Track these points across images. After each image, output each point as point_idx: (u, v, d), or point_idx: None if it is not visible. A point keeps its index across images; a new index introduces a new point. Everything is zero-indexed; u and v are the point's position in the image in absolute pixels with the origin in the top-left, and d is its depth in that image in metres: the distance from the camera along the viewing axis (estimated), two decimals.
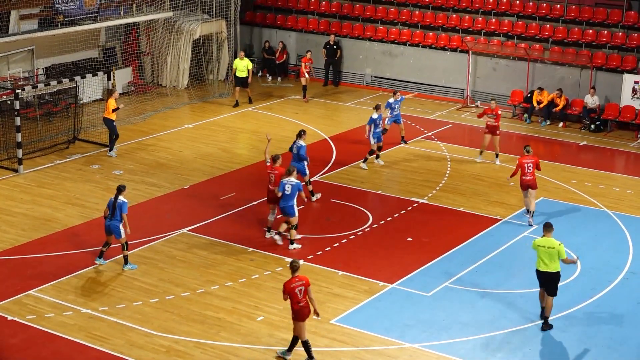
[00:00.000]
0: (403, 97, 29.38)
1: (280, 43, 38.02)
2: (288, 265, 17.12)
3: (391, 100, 28.61)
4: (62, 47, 31.46)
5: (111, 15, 32.55)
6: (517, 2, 35.24)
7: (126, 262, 20.21)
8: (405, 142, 29.18)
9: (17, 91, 26.02)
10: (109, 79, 29.02)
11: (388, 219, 23.37)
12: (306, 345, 16.67)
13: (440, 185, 25.83)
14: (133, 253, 20.81)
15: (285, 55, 38.11)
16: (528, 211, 23.34)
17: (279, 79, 37.76)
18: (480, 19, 35.62)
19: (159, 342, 17.23)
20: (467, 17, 35.94)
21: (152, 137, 29.67)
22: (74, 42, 31.73)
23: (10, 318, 17.91)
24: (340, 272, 20.27)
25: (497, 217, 23.57)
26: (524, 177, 23.16)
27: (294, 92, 35.48)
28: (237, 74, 33.61)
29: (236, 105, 33.34)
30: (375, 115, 26.60)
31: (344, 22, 37.97)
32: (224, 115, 32.45)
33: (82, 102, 30.45)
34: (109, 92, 27.00)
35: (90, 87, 31.35)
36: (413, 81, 36.10)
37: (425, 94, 35.77)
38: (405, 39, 36.37)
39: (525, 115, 32.70)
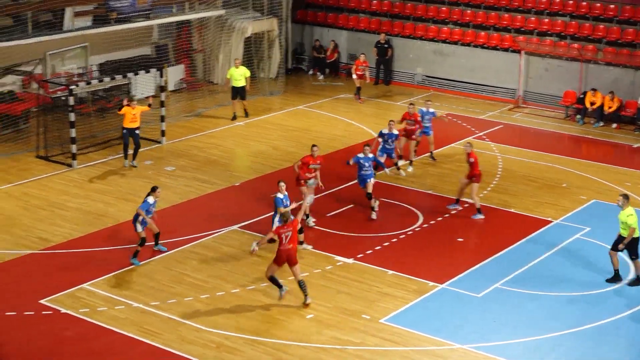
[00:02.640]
0: (434, 112, 27.70)
1: (332, 42, 38.04)
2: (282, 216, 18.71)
3: (423, 108, 27.44)
4: (115, 44, 31.78)
5: (164, 12, 32.82)
6: (570, 1, 34.92)
7: (134, 255, 20.40)
8: (433, 159, 27.71)
9: (71, 87, 26.33)
10: (161, 76, 29.25)
11: (438, 219, 23.31)
12: (302, 285, 18.53)
13: (492, 185, 25.69)
14: (184, 248, 20.97)
15: (336, 54, 38.13)
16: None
17: (322, 76, 37.76)
18: (533, 18, 35.36)
19: (209, 338, 17.35)
20: (519, 16, 35.69)
21: (203, 134, 29.87)
22: (127, 39, 32.04)
23: (63, 311, 18.15)
24: (390, 272, 20.25)
25: (549, 219, 23.39)
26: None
27: (344, 91, 35.49)
28: (233, 84, 31.28)
29: (234, 118, 31.46)
30: (385, 130, 25.57)
31: (395, 21, 37.90)
32: (274, 113, 32.56)
33: (135, 98, 30.68)
34: (127, 102, 26.36)
35: (143, 84, 31.64)
36: (464, 81, 35.93)
37: (477, 93, 35.59)
38: (457, 39, 36.23)
39: (578, 116, 32.40)
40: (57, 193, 24.47)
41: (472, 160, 23.50)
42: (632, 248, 19.61)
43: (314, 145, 22.73)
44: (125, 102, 26.10)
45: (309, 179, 22.43)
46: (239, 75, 31.35)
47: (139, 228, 20.26)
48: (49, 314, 18.05)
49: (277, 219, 20.59)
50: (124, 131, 26.20)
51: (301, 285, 18.63)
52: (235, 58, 33.06)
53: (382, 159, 25.37)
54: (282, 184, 20.83)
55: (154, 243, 20.85)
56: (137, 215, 20.24)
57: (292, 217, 19.13)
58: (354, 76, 34.19)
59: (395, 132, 25.46)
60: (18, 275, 19.77)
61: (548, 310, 18.73)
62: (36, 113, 28.41)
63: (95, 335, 17.35)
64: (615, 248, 19.73)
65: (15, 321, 17.75)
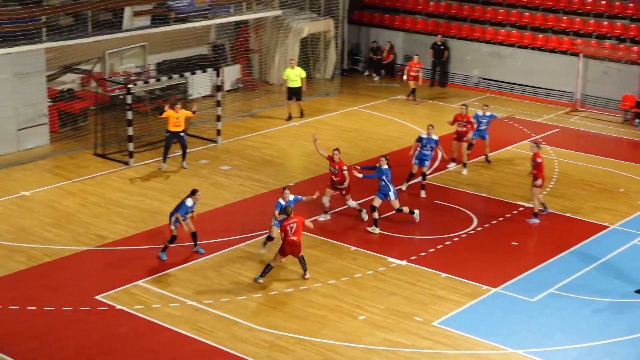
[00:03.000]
0: (494, 114, 27.47)
1: (388, 43, 37.98)
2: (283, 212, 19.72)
3: (479, 112, 27.11)
4: (173, 43, 32.06)
5: (221, 12, 33.01)
6: (630, 4, 34.49)
7: (163, 250, 20.57)
8: (489, 162, 27.48)
9: (129, 86, 26.60)
10: (217, 75, 29.43)
11: (493, 222, 23.15)
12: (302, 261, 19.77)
13: (547, 189, 25.45)
14: (238, 247, 21.09)
15: (392, 55, 38.07)
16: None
17: (378, 78, 37.74)
18: (592, 21, 34.97)
19: (262, 337, 17.41)
20: (578, 19, 35.33)
21: (258, 134, 30.01)
22: (185, 38, 32.31)
23: (118, 307, 18.35)
24: (444, 274, 20.16)
25: (605, 224, 23.11)
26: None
27: (399, 92, 35.42)
28: (289, 85, 31.37)
29: (289, 118, 31.56)
30: (424, 135, 24.86)
31: (452, 22, 37.72)
32: (329, 113, 32.60)
33: (191, 97, 30.97)
34: (169, 106, 26.51)
35: (199, 83, 31.88)
36: (521, 83, 35.65)
37: (533, 96, 35.29)
38: (514, 41, 35.96)
39: (637, 120, 31.97)
40: (114, 190, 24.75)
41: (539, 160, 23.15)
42: None
43: (335, 149, 22.61)
44: (166, 107, 26.19)
45: (334, 181, 22.45)
46: (295, 76, 31.41)
47: (172, 226, 20.41)
48: (104, 309, 18.26)
49: (273, 222, 20.52)
50: (167, 134, 26.32)
51: (301, 259, 19.81)
52: (290, 58, 33.10)
53: (414, 168, 24.89)
54: (286, 191, 20.60)
55: (192, 244, 20.98)
56: (173, 215, 20.36)
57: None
58: (405, 77, 34.11)
59: (435, 137, 24.72)
60: (75, 271, 20.03)
61: (603, 317, 18.52)
62: (94, 111, 28.77)
63: (148, 332, 17.52)
64: None
65: (71, 316, 17.98)
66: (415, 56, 34.65)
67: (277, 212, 20.42)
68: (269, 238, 20.84)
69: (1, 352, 16.66)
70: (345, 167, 22.50)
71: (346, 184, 22.62)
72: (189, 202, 20.40)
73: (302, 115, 31.90)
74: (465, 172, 26.63)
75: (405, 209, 22.76)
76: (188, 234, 20.72)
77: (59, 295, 18.76)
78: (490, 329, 17.91)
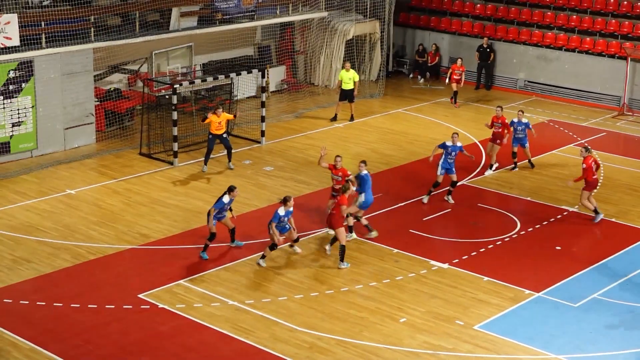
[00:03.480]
0: (527, 122, 26.77)
1: (434, 45, 37.85)
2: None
3: (515, 120, 26.52)
4: (219, 44, 32.22)
5: (267, 14, 33.12)
6: None
7: (204, 249, 20.68)
8: (532, 166, 27.11)
9: (175, 86, 26.75)
10: (263, 76, 29.51)
11: (536, 226, 22.96)
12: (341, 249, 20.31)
13: (593, 194, 25.15)
14: (279, 248, 21.08)
15: (437, 58, 37.92)
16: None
17: (423, 80, 37.64)
18: None
19: (302, 338, 17.41)
20: (626, 22, 34.93)
21: (302, 135, 30.03)
22: (231, 39, 32.46)
23: (160, 306, 18.45)
24: (486, 278, 20.02)
25: None
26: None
27: (445, 95, 35.26)
28: (342, 86, 31.49)
29: (334, 119, 31.58)
30: (449, 143, 24.07)
31: (499, 25, 37.49)
32: (374, 115, 32.54)
33: (236, 98, 31.10)
34: (213, 111, 26.48)
35: (244, 84, 31.99)
36: (567, 87, 35.33)
37: (580, 100, 34.95)
38: (561, 44, 35.64)
39: None
40: (158, 190, 24.90)
41: (584, 166, 23.13)
42: None
43: (337, 156, 22.34)
44: (209, 114, 26.24)
45: (336, 190, 21.62)
46: (348, 79, 31.52)
47: (210, 223, 20.50)
48: (146, 308, 18.37)
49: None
50: (210, 136, 26.36)
51: (341, 248, 20.29)
52: (345, 61, 33.12)
53: (439, 177, 24.17)
54: (291, 200, 20.28)
55: (230, 240, 21.07)
56: (211, 214, 20.47)
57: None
58: (447, 80, 34.00)
59: (459, 144, 24.09)
60: (118, 269, 20.19)
61: None
62: (140, 111, 28.98)
63: (190, 331, 17.59)
64: None
65: (114, 314, 18.11)
66: (459, 59, 34.46)
67: (274, 224, 20.07)
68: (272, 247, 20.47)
69: (45, 349, 16.83)
70: (349, 174, 21.94)
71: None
72: (226, 198, 20.48)
73: (352, 119, 31.82)
74: (489, 173, 26.43)
75: (364, 221, 22.02)
76: (227, 231, 20.83)
77: (102, 293, 18.92)
78: (532, 333, 17.75)
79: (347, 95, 31.61)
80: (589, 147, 24.10)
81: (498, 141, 26.52)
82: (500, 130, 26.45)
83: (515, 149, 26.78)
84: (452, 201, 24.22)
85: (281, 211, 20.05)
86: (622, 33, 34.68)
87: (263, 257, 20.50)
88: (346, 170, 22.24)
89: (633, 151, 29.23)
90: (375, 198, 22.80)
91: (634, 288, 19.67)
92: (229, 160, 26.76)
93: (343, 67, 32.27)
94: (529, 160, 27.22)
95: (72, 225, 22.33)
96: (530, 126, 27.11)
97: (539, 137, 28.02)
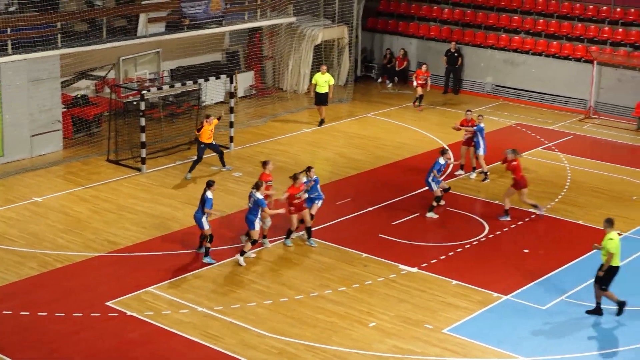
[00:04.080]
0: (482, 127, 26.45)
1: (402, 50, 37.95)
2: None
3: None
4: (187, 50, 32.15)
5: (236, 19, 33.08)
6: None
7: (206, 254, 20.62)
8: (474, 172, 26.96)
9: (142, 92, 26.65)
10: (231, 82, 29.46)
11: (504, 229, 23.07)
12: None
13: (559, 197, 25.36)
14: (249, 254, 21.08)
15: (405, 62, 38.02)
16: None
17: (391, 84, 37.72)
18: (607, 28, 34.84)
19: (272, 344, 17.37)
20: (592, 26, 35.21)
21: (271, 141, 29.99)
22: (199, 45, 32.39)
23: (129, 313, 18.35)
24: (454, 282, 20.09)
25: (618, 232, 22.93)
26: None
27: (413, 99, 35.33)
28: (317, 90, 31.58)
29: (321, 123, 31.71)
30: (442, 161, 23.77)
31: (466, 29, 37.67)
32: (342, 120, 32.56)
33: (204, 104, 31.01)
34: (206, 120, 26.33)
35: (212, 90, 31.93)
36: (534, 90, 35.55)
37: (547, 103, 35.18)
38: (528, 48, 35.87)
39: None
40: (126, 196, 24.78)
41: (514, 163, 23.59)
42: (605, 278, 18.51)
43: (267, 162, 22.44)
44: (205, 122, 26.18)
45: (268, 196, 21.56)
46: (324, 82, 31.59)
47: (206, 226, 20.50)
48: (114, 315, 18.26)
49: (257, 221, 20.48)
50: (201, 145, 26.27)
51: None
52: (321, 64, 33.19)
53: (437, 192, 23.84)
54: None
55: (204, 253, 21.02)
56: (202, 215, 20.38)
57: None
58: (415, 84, 34.02)
59: (442, 161, 23.82)
60: (86, 277, 20.04)
61: (614, 324, 18.40)
62: (108, 117, 28.82)
63: (159, 338, 17.50)
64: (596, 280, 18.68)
65: (82, 322, 17.98)
66: (424, 65, 34.45)
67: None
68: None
69: (12, 358, 16.67)
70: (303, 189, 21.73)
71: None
72: (210, 194, 20.46)
73: (321, 123, 31.87)
74: (473, 176, 26.58)
75: (309, 222, 22.02)
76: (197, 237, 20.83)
77: (70, 302, 18.78)
78: (501, 336, 17.82)
79: (322, 98, 31.68)
80: (517, 150, 24.19)
81: (473, 144, 26.67)
82: (471, 133, 26.57)
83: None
84: (435, 216, 23.92)
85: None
86: (588, 37, 34.95)
87: (242, 253, 20.68)
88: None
89: (599, 154, 29.46)
90: (343, 203, 22.88)
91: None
92: (224, 165, 26.78)
93: (319, 70, 32.28)
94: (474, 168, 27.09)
95: (39, 233, 22.16)
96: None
97: (506, 141, 28.15)
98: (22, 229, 22.42)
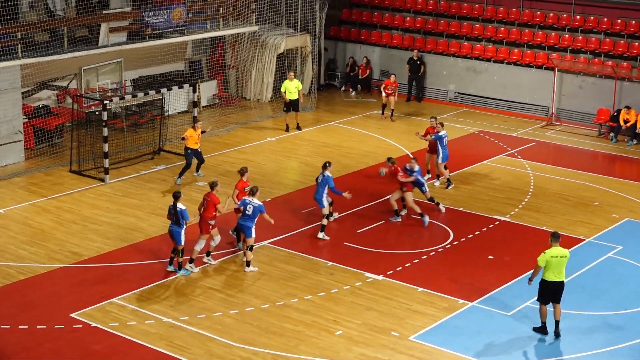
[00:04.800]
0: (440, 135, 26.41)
1: (364, 58, 38.07)
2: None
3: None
4: (149, 59, 31.99)
5: (198, 28, 33.00)
6: (605, 19, 34.73)
7: (180, 267, 20.56)
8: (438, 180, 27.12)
9: (105, 102, 26.49)
10: (194, 91, 29.37)
11: (469, 236, 23.17)
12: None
13: (523, 203, 25.53)
14: (214, 263, 20.99)
15: (368, 70, 38.14)
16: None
17: (355, 93, 37.83)
18: (567, 36, 35.17)
19: (238, 354, 17.31)
20: (553, 34, 35.52)
21: (235, 150, 29.94)
22: (161, 54, 32.26)
23: (93, 325, 18.20)
24: (420, 289, 20.14)
25: (581, 237, 23.18)
26: None
27: (376, 108, 35.44)
28: (288, 97, 31.79)
29: (287, 129, 31.97)
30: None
31: (428, 37, 37.86)
32: (306, 129, 32.56)
33: (167, 113, 30.89)
34: (194, 121, 26.77)
35: (175, 99, 31.83)
36: (497, 98, 35.80)
37: (509, 111, 35.43)
38: (490, 55, 36.12)
39: (612, 134, 32.12)
40: (90, 207, 24.60)
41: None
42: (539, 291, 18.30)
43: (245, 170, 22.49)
44: (195, 127, 26.39)
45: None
46: (293, 88, 31.78)
47: (183, 241, 20.39)
48: (79, 327, 18.11)
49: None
50: (189, 151, 26.34)
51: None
52: (289, 71, 33.23)
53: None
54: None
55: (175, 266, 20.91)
56: (181, 227, 20.26)
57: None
58: (383, 94, 34.04)
59: (417, 167, 24.22)
60: (49, 289, 19.85)
61: (580, 330, 18.52)
62: (70, 128, 28.61)
63: (124, 350, 17.38)
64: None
65: (46, 334, 17.81)
66: (392, 75, 34.51)
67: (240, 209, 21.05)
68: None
69: None
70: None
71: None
72: (182, 205, 20.31)
73: (299, 128, 32.18)
74: (437, 184, 26.70)
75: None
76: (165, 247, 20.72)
77: (34, 314, 18.59)
78: (467, 343, 17.88)
79: (293, 105, 31.86)
80: (392, 157, 24.53)
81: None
82: (435, 140, 26.71)
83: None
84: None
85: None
86: (549, 44, 35.25)
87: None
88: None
89: (562, 160, 29.71)
90: (308, 211, 22.89)
91: (567, 295, 19.80)
92: (198, 170, 26.93)
93: (286, 78, 32.38)
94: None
95: (0, 245, 21.93)
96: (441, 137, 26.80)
97: (470, 148, 28.32)
98: None
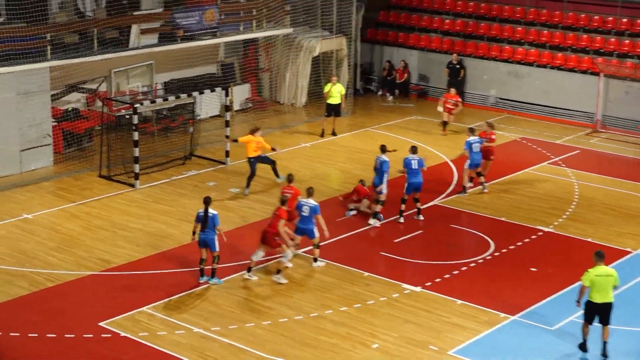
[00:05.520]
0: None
1: (402, 62, 38.02)
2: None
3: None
4: (180, 62, 32.14)
5: (230, 30, 33.08)
6: None
7: (213, 275, 20.50)
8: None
9: (135, 106, 26.62)
10: (226, 95, 29.45)
11: (511, 247, 23.03)
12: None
13: (567, 213, 25.34)
14: (246, 273, 21.02)
15: (406, 75, 38.07)
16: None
17: (392, 97, 37.76)
18: (613, 39, 34.93)
19: None
20: (598, 37, 35.30)
21: (268, 156, 29.89)
22: (193, 57, 32.39)
23: (123, 334, 18.26)
24: (459, 301, 20.03)
25: (628, 250, 22.96)
26: None
27: (414, 113, 35.39)
28: (329, 101, 31.87)
29: (322, 134, 32.10)
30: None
31: (468, 41, 37.74)
32: (341, 134, 32.55)
33: (199, 117, 30.99)
34: (251, 131, 26.83)
35: (207, 103, 31.89)
36: (539, 103, 35.59)
37: (552, 117, 35.22)
38: (533, 60, 35.93)
39: None
40: (119, 213, 24.72)
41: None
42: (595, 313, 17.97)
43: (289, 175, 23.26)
44: (254, 134, 26.52)
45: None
46: (336, 92, 31.81)
47: (218, 246, 20.37)
48: (107, 336, 18.17)
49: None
50: (251, 160, 26.44)
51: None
52: (332, 75, 33.38)
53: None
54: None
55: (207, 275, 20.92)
56: (214, 234, 20.26)
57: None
58: (440, 109, 32.88)
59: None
60: (78, 297, 19.96)
61: (626, 345, 18.33)
62: (100, 131, 28.78)
63: None
64: None
65: (74, 344, 17.89)
66: (452, 89, 33.65)
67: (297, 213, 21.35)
68: None
69: None
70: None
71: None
72: (214, 210, 20.30)
73: (334, 134, 32.21)
74: (486, 190, 26.55)
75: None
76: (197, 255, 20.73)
77: (62, 322, 18.69)
78: (508, 358, 17.76)
79: (334, 110, 31.90)
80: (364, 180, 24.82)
81: (492, 157, 26.80)
82: (489, 146, 26.60)
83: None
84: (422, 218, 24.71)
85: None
86: (594, 48, 35.03)
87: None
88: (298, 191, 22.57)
89: (608, 169, 29.48)
90: (343, 220, 22.90)
91: (613, 309, 19.71)
92: (277, 175, 26.95)
93: (329, 81, 32.47)
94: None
95: (29, 251, 22.09)
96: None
97: (512, 156, 28.18)
98: (11, 247, 22.35)
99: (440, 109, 33.07)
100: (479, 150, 26.30)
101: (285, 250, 20.83)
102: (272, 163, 27.04)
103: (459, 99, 33.39)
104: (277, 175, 26.96)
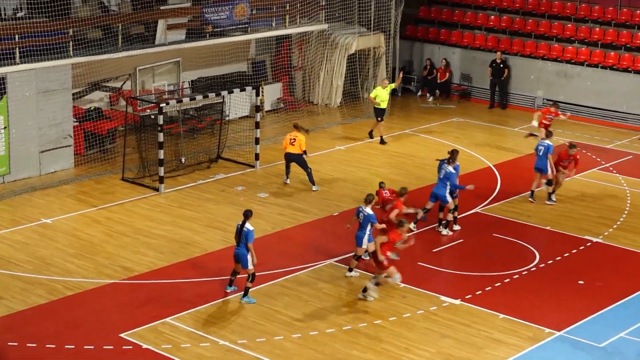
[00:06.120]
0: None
1: (443, 60, 37.99)
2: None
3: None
4: (209, 59, 32.28)
5: (262, 26, 33.22)
6: None
7: (246, 294, 20.38)
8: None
9: (161, 105, 26.75)
10: (257, 94, 29.55)
11: (557, 258, 22.94)
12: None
13: (618, 223, 25.21)
14: (276, 283, 21.07)
15: (448, 74, 38.02)
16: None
17: (432, 98, 37.75)
18: None
19: None
20: None
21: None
22: (222, 54, 32.54)
23: (144, 346, 18.37)
24: (502, 316, 19.97)
25: None
26: None
27: (456, 114, 35.34)
28: (379, 105, 31.83)
29: (371, 135, 32.36)
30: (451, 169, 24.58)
31: (514, 38, 37.64)
32: (378, 137, 32.52)
33: (228, 118, 31.12)
34: (304, 130, 27.33)
35: (237, 103, 32.01)
36: (590, 106, 35.43)
37: (603, 120, 35.04)
38: (583, 59, 35.78)
39: None
40: (142, 219, 24.88)
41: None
42: None
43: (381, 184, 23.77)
44: (299, 132, 27.24)
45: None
46: (386, 96, 31.89)
47: (250, 264, 20.18)
48: (129, 349, 18.29)
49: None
50: (298, 155, 27.25)
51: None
52: (383, 78, 33.51)
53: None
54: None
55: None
56: (247, 250, 20.15)
57: None
58: (535, 124, 30.71)
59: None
60: (98, 306, 20.11)
61: None
62: (123, 132, 28.98)
63: None
64: None
65: (93, 355, 18.02)
66: (553, 105, 31.63)
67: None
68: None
69: None
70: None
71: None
72: (250, 225, 20.23)
73: (371, 136, 32.27)
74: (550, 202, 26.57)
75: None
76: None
77: (81, 333, 18.83)
78: None
79: (382, 114, 32.01)
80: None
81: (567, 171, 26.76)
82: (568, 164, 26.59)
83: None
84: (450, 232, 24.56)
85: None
86: None
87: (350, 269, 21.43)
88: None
89: None
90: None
91: None
92: (313, 184, 27.32)
93: (380, 84, 32.53)
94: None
95: (47, 258, 22.28)
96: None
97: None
98: (29, 253, 22.56)
99: (535, 123, 30.78)
100: (544, 155, 26.26)
101: (393, 273, 20.40)
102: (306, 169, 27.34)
103: (560, 115, 31.36)
104: (313, 182, 27.12)
